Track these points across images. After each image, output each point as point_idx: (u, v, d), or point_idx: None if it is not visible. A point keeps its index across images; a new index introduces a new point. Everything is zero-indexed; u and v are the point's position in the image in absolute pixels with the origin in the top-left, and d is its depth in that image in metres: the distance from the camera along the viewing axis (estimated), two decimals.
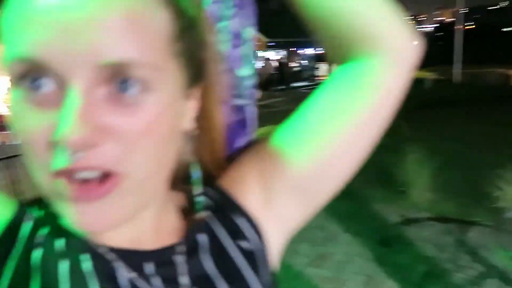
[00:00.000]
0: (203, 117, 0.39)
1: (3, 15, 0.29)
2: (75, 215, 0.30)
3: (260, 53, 19.51)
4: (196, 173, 0.41)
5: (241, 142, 0.50)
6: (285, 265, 3.63)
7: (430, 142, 5.51)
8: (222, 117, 0.41)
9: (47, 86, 0.28)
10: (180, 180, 0.42)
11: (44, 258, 0.35)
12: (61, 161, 0.28)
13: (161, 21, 0.30)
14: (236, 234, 0.42)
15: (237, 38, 0.48)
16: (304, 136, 0.43)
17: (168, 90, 0.31)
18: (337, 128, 0.42)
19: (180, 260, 0.38)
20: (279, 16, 19.07)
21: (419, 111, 7.38)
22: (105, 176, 0.29)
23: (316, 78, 20.86)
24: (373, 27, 0.39)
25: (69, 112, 0.27)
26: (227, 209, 0.42)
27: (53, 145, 0.28)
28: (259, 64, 20.52)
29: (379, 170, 5.09)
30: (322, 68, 21.76)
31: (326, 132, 0.42)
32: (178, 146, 0.36)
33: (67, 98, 0.27)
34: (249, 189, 0.43)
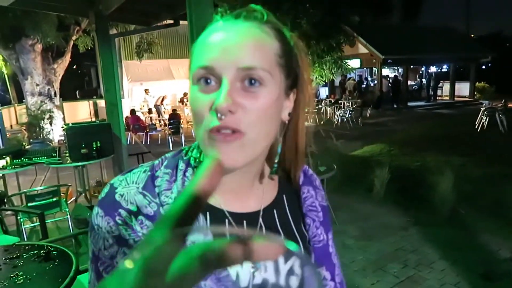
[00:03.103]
0: (293, 114, 0.58)
1: (193, 46, 0.54)
2: (219, 153, 0.49)
3: (375, 70, 18.91)
4: (279, 148, 0.60)
5: None
6: (372, 282, 3.64)
7: None
8: (304, 118, 0.60)
9: (212, 82, 0.50)
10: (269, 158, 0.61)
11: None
12: (214, 122, 0.48)
13: (273, 45, 0.52)
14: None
15: None
16: None
17: (275, 88, 0.52)
18: None
19: (261, 220, 0.59)
20: (397, 32, 18.21)
21: None
22: (234, 132, 0.49)
23: (436, 98, 19.18)
24: None
25: (222, 92, 0.48)
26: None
27: (211, 111, 0.49)
28: (372, 82, 19.87)
29: (494, 200, 4.59)
30: (445, 87, 19.97)
31: None
32: (277, 128, 0.56)
33: (221, 87, 0.48)
34: None
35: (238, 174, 0.56)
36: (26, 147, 5.96)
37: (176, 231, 0.23)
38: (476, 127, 10.11)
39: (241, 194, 0.59)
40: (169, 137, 9.99)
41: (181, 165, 0.58)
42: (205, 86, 0.50)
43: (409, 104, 17.40)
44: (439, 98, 19.48)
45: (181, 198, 0.25)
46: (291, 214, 0.64)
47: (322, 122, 12.65)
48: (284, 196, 0.64)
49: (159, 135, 10.90)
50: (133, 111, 11.23)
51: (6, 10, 7.43)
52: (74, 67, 18.96)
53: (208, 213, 0.56)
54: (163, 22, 5.84)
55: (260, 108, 0.50)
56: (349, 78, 17.12)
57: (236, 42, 0.50)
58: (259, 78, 0.49)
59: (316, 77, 9.33)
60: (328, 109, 13.88)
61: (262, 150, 0.54)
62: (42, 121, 9.95)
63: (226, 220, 0.57)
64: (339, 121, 12.35)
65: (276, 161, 0.60)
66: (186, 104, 13.74)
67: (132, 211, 0.54)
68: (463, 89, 19.74)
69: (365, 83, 19.04)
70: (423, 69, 21.32)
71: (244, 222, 0.58)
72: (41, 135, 9.75)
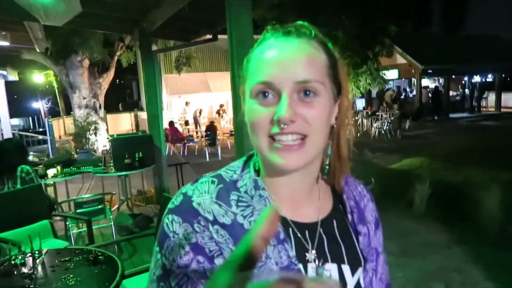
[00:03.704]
0: (339, 118, 0.63)
1: (247, 62, 0.60)
2: (281, 160, 0.55)
3: (414, 81, 18.35)
4: (330, 150, 0.64)
5: None
6: None
7: None
8: (347, 123, 0.65)
9: (270, 96, 0.55)
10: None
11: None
12: (277, 129, 0.54)
13: (322, 58, 0.58)
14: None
15: None
16: None
17: (327, 96, 0.58)
18: None
19: (320, 230, 0.63)
20: (437, 41, 17.62)
21: None
22: (298, 139, 0.55)
23: (480, 109, 18.25)
24: None
25: (283, 105, 0.53)
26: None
27: (273, 122, 0.55)
28: (411, 93, 19.26)
29: None
30: (490, 98, 18.97)
31: None
32: (328, 130, 0.61)
33: (281, 100, 0.54)
34: None
35: (296, 179, 0.61)
36: (74, 156, 6.32)
37: (239, 275, 0.26)
38: None
39: (300, 203, 0.64)
40: (206, 148, 10.21)
41: (251, 171, 0.63)
42: (263, 100, 0.56)
43: (450, 115, 16.68)
44: (484, 109, 18.54)
45: (243, 244, 0.28)
46: (351, 225, 0.67)
47: (358, 135, 12.42)
48: (340, 206, 0.68)
49: (196, 146, 11.16)
50: (171, 123, 11.60)
51: (58, 29, 8.00)
52: (117, 81, 19.92)
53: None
54: (202, 37, 6.05)
55: (317, 115, 0.56)
56: (388, 89, 16.73)
57: (291, 58, 0.55)
58: (314, 89, 0.55)
59: (352, 89, 9.21)
60: (365, 121, 13.61)
61: (318, 152, 0.60)
62: (87, 132, 10.52)
63: (290, 229, 0.61)
64: (376, 133, 12.07)
65: (327, 162, 0.65)
66: (222, 116, 14.01)
67: (209, 219, 0.57)
68: (511, 99, 18.68)
69: (403, 94, 18.50)
70: (465, 79, 20.44)
71: (306, 232, 0.62)
72: (86, 146, 10.29)
